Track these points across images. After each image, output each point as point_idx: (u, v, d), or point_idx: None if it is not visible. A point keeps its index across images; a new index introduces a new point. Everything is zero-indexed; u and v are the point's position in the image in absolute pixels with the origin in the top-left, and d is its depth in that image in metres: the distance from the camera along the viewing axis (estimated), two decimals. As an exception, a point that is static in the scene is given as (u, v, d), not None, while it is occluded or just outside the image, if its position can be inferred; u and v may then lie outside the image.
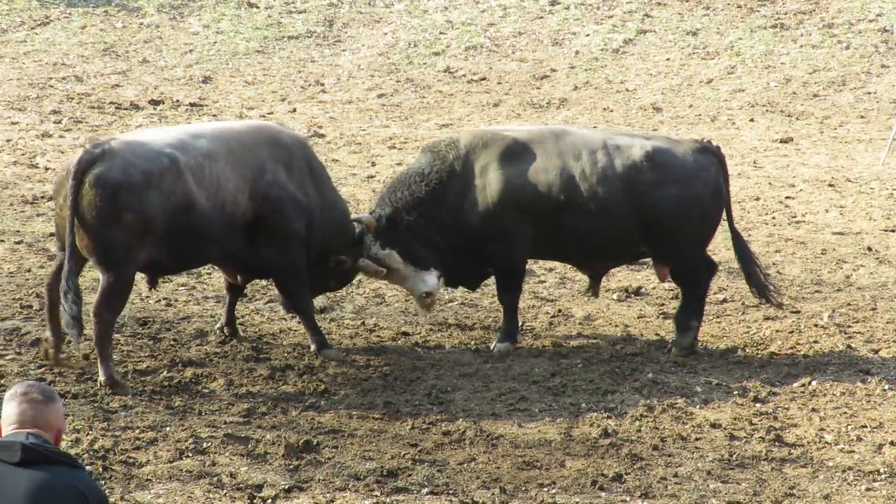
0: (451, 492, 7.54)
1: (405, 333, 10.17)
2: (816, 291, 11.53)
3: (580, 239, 9.73)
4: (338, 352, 9.55)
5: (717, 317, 10.80)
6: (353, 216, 10.00)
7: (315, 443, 8.04)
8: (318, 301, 10.78)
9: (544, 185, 9.66)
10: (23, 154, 15.32)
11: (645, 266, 12.12)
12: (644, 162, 9.66)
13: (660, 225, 9.68)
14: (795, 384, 9.38)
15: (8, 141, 15.92)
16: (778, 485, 7.81)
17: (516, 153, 9.76)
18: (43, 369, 8.96)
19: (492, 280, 10.12)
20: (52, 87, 18.86)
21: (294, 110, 18.63)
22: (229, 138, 9.10)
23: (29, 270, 10.90)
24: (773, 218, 14.02)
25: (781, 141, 17.59)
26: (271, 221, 9.14)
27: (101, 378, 8.66)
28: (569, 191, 9.64)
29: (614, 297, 11.25)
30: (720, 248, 12.80)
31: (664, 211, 9.65)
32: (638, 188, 9.63)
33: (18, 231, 12.14)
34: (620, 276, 11.78)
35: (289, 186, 9.18)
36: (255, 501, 7.34)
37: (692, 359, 9.81)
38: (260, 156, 9.14)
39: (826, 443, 8.44)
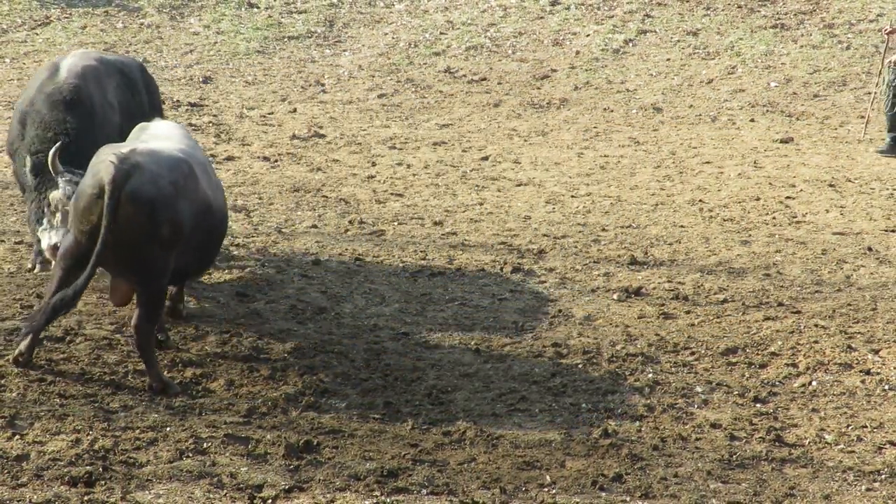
0: (451, 492, 7.55)
1: (405, 333, 10.16)
2: (816, 291, 11.53)
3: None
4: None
5: (717, 317, 10.79)
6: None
7: (315, 443, 8.04)
8: (318, 301, 10.77)
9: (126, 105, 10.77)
10: (23, 154, 15.31)
11: (645, 266, 12.11)
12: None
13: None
14: (795, 384, 9.38)
15: (8, 141, 15.91)
16: (778, 485, 7.81)
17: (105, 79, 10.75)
18: (42, 370, 8.97)
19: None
20: (52, 87, 18.82)
21: (294, 110, 18.62)
22: (195, 145, 9.55)
23: (30, 270, 10.88)
24: (774, 218, 14.01)
25: (782, 141, 17.58)
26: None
27: (154, 383, 8.70)
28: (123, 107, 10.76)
29: (614, 297, 11.24)
30: (720, 248, 12.79)
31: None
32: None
33: (18, 231, 12.13)
34: (621, 277, 11.77)
35: None
36: (255, 501, 7.34)
37: (692, 358, 9.81)
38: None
39: (826, 443, 8.45)
